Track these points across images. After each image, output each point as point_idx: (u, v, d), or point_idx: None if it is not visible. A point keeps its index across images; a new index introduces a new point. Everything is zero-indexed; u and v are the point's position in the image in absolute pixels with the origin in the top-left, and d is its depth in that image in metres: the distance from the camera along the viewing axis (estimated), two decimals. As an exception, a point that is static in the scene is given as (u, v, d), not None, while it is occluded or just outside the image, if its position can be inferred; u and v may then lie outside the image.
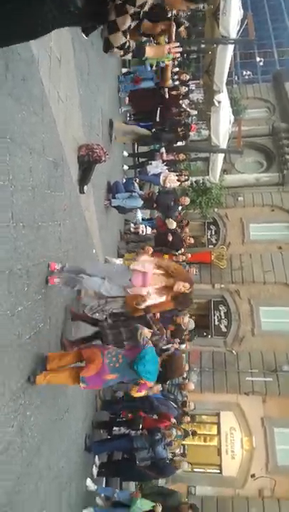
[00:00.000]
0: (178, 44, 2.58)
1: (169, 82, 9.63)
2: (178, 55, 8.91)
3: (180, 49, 3.54)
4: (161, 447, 6.25)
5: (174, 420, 7.16)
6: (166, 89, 9.77)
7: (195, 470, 12.83)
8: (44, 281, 4.30)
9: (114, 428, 7.33)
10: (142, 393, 4.43)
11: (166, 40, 5.81)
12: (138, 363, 4.14)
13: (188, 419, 7.74)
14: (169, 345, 8.10)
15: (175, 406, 7.08)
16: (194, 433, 8.26)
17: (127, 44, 2.37)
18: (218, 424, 13.80)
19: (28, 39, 2.58)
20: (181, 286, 4.58)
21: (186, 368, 9.99)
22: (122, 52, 2.37)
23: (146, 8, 2.30)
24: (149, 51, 2.33)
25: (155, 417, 7.18)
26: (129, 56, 2.49)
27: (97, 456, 6.84)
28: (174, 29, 2.13)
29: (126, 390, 7.57)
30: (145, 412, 7.11)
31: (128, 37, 2.34)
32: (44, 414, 4.29)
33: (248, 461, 12.86)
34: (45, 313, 4.33)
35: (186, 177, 10.73)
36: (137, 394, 4.44)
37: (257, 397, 13.54)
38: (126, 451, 6.59)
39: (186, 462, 6.93)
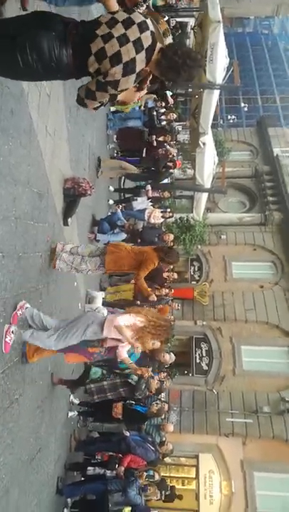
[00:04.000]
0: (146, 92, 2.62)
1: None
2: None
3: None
4: (134, 492, 5.95)
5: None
6: (154, 137, 10.05)
7: (171, 516, 12.28)
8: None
9: (89, 468, 7.01)
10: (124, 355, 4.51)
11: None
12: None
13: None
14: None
15: (153, 449, 6.82)
16: (172, 497, 7.49)
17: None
18: (197, 466, 13.35)
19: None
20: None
21: (166, 408, 9.73)
22: (94, 111, 2.44)
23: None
24: (120, 95, 2.32)
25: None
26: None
27: (69, 500, 6.51)
28: (149, 78, 2.12)
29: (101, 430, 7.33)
30: (121, 453, 6.84)
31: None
32: (14, 454, 4.09)
33: (226, 507, 12.36)
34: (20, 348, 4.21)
35: (171, 214, 10.89)
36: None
37: (237, 439, 13.19)
38: (99, 495, 6.26)
39: None
